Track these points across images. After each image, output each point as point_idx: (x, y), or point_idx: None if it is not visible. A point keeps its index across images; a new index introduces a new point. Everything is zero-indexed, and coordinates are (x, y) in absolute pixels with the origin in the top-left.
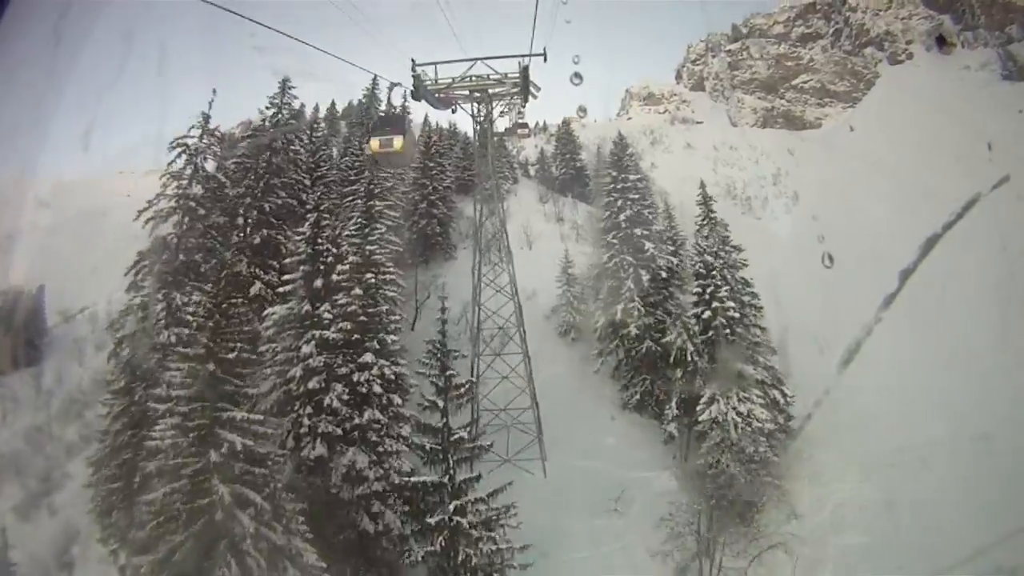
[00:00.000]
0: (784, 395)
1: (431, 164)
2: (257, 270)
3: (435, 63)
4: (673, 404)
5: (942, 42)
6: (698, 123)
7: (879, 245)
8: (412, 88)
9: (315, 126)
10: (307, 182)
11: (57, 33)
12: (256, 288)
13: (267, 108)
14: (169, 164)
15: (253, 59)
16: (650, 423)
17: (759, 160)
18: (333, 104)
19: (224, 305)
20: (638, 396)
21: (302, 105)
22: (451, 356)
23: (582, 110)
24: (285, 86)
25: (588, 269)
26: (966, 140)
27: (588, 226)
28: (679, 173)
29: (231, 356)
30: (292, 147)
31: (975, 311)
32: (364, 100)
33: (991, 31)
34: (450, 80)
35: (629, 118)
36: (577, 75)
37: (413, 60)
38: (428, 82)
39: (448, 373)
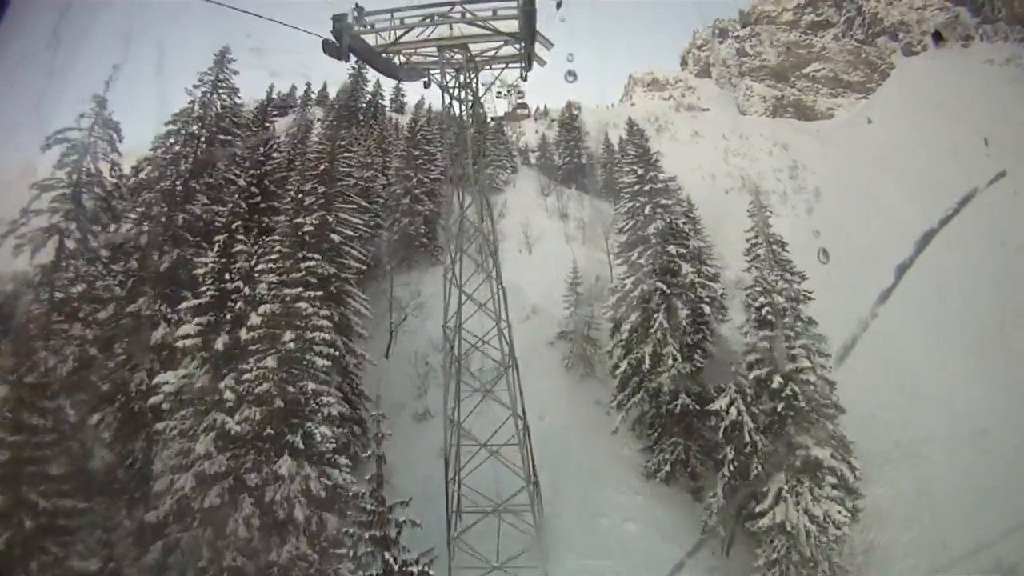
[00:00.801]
0: (853, 469)
1: (416, 152)
2: (163, 307)
3: (391, 10)
4: (720, 492)
5: (938, 38)
6: (704, 110)
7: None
8: (329, 38)
9: (267, 110)
10: (242, 182)
11: (57, 33)
12: (160, 332)
13: (195, 87)
14: (55, 167)
15: (250, 59)
16: (680, 497)
17: (772, 151)
18: (324, 87)
19: (26, 415)
20: (668, 467)
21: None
22: (401, 524)
23: (576, 107)
24: (223, 58)
25: (602, 287)
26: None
27: (596, 224)
28: (687, 163)
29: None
30: (224, 136)
31: (972, 305)
32: (350, 78)
33: (1012, 25)
34: (399, 22)
35: (632, 104)
36: (571, 73)
37: (359, 6)
38: (362, 29)
39: (386, 557)
